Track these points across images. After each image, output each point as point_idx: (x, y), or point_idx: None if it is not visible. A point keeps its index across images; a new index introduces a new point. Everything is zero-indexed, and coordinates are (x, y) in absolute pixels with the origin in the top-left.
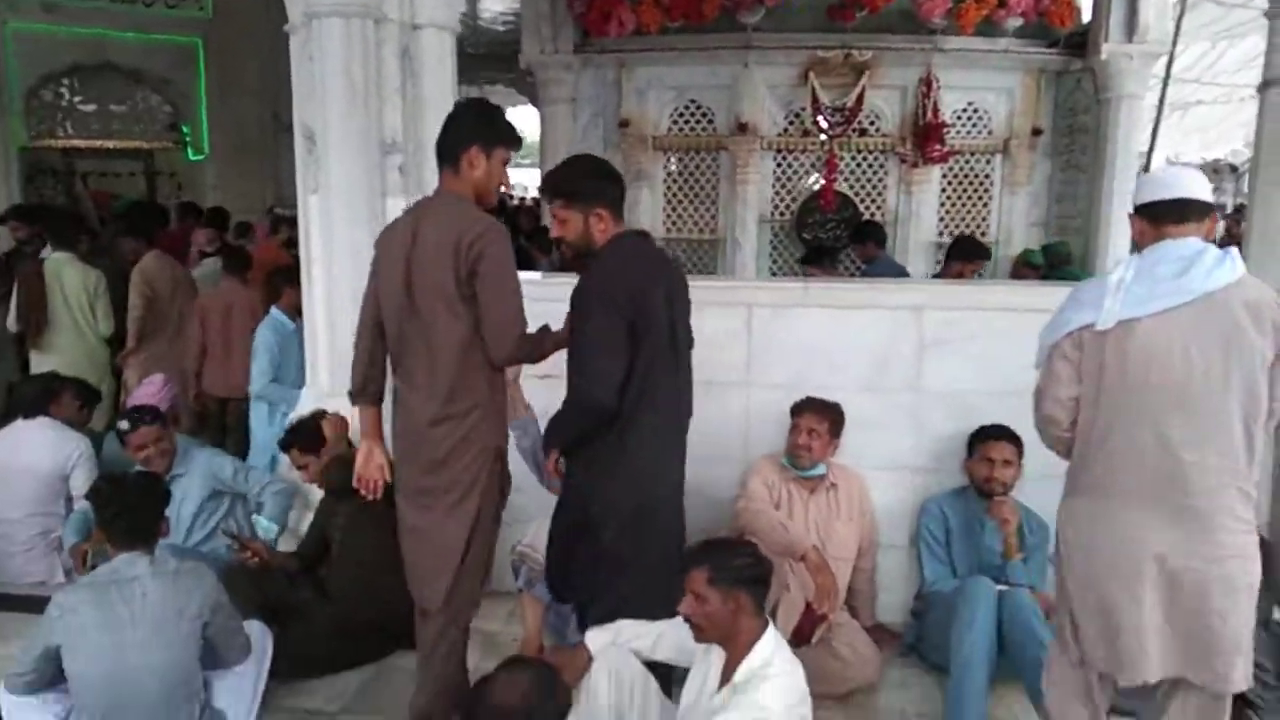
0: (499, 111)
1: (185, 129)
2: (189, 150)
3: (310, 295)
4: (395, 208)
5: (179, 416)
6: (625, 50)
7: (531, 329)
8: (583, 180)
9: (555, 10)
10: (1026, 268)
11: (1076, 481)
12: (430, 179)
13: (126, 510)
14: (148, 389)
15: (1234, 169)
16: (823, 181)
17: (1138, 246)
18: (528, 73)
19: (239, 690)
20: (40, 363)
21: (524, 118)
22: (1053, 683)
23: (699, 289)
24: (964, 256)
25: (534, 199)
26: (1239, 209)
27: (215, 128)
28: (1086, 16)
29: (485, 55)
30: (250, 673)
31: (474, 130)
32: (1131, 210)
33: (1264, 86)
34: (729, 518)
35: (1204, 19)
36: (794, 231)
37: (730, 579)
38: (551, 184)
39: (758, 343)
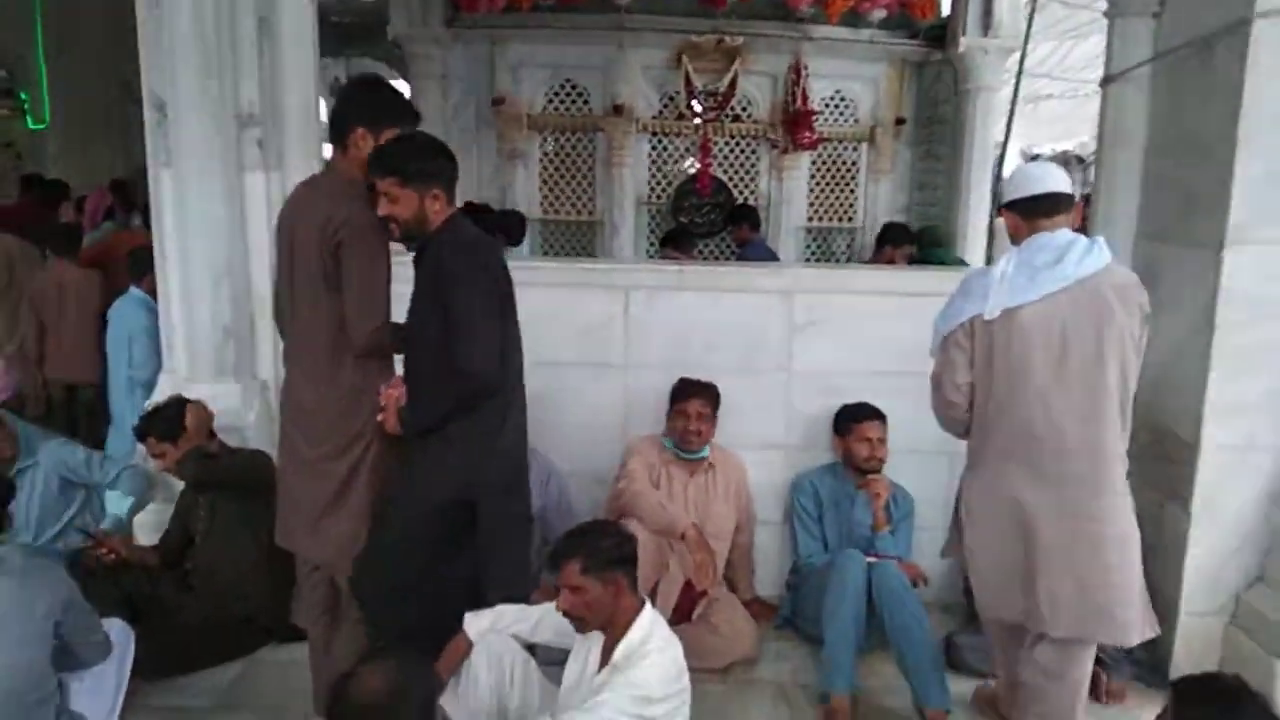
0: (391, 90)
1: (24, 96)
2: (29, 118)
3: (164, 274)
4: (254, 183)
5: (24, 403)
6: (498, 27)
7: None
8: (420, 159)
9: None
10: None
11: (979, 456)
12: (290, 153)
13: None
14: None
15: (1081, 160)
16: (698, 165)
17: (1014, 239)
18: (397, 45)
19: (99, 691)
20: None
21: None
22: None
23: (577, 271)
24: (893, 241)
25: None
26: (1086, 198)
27: (57, 93)
28: (947, 10)
29: (352, 25)
30: (110, 673)
31: (362, 109)
32: (1003, 205)
33: (1105, 82)
34: (608, 498)
35: (1052, 19)
36: (670, 215)
37: (604, 562)
38: (385, 161)
39: (635, 325)
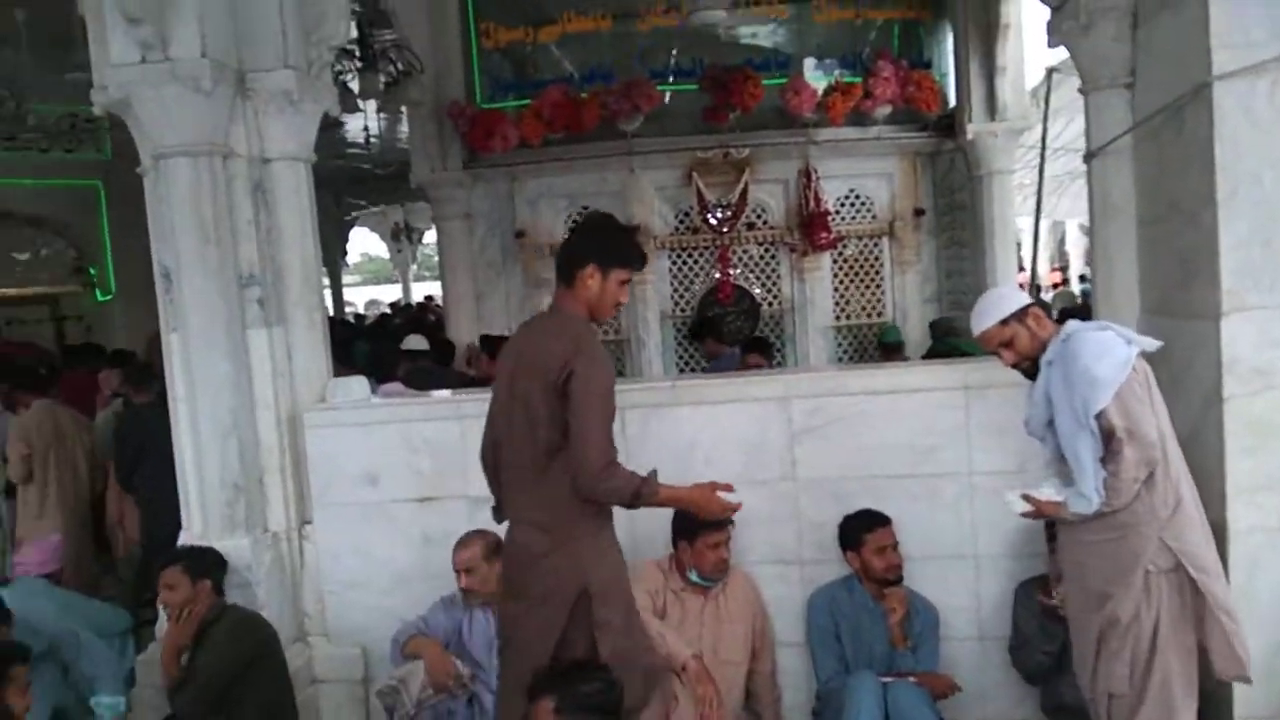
0: (621, 230)
1: (92, 272)
2: (97, 292)
3: (178, 435)
4: (257, 339)
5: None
6: (514, 164)
7: None
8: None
9: (442, 130)
10: (884, 348)
11: (1175, 511)
12: (292, 308)
13: None
14: (40, 553)
15: None
16: (718, 276)
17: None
18: (422, 190)
19: None
20: None
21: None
22: None
23: None
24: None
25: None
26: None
27: (121, 268)
28: (952, 100)
29: (397, 176)
30: None
31: (596, 248)
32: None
33: (1088, 158)
34: None
35: (1069, 95)
36: (696, 326)
37: (579, 708)
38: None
39: (633, 445)
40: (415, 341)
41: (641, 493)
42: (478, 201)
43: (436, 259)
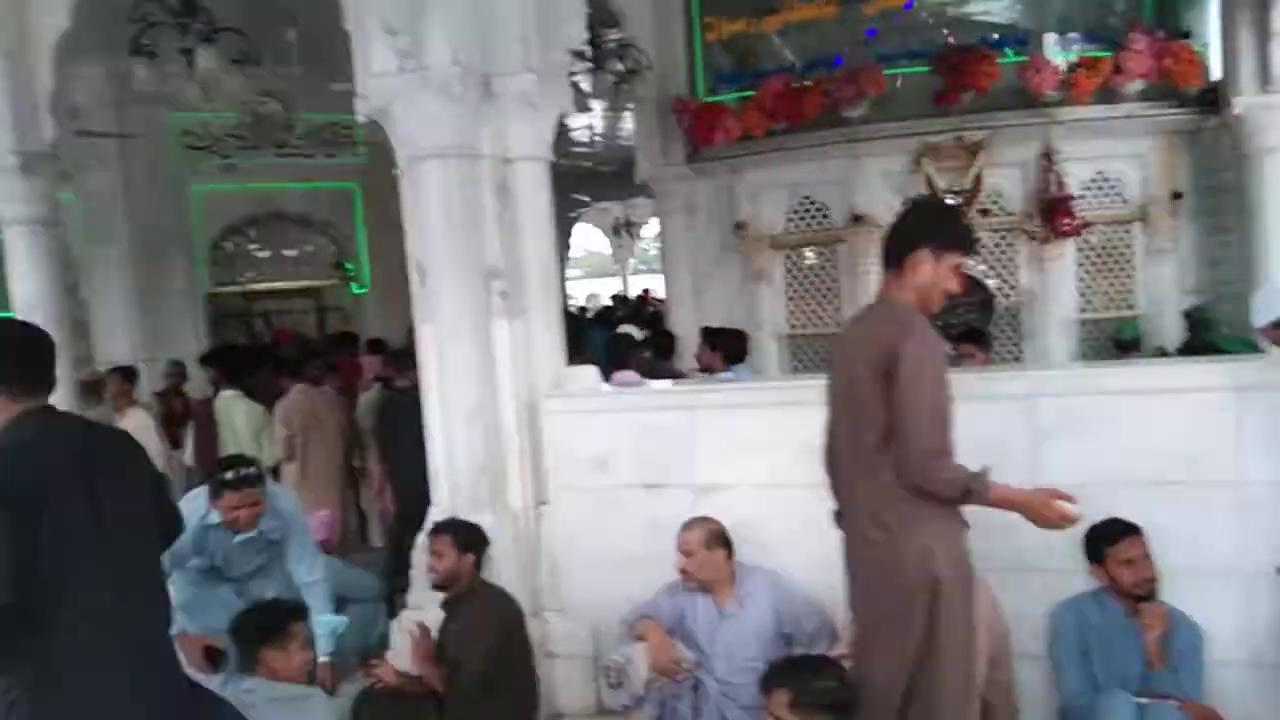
0: (952, 213)
1: (349, 266)
2: (353, 285)
3: (430, 419)
4: (500, 330)
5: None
6: (735, 156)
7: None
8: None
9: (664, 126)
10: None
11: None
12: (531, 301)
13: (245, 641)
14: (313, 524)
15: None
16: None
17: None
18: (646, 185)
19: None
20: None
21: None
22: None
23: (796, 390)
24: None
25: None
26: None
27: (374, 263)
28: (1216, 72)
29: (618, 174)
30: None
31: (925, 231)
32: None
33: None
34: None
35: None
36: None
37: (815, 705)
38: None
39: None
40: (628, 331)
41: (972, 489)
42: (699, 195)
43: (653, 253)
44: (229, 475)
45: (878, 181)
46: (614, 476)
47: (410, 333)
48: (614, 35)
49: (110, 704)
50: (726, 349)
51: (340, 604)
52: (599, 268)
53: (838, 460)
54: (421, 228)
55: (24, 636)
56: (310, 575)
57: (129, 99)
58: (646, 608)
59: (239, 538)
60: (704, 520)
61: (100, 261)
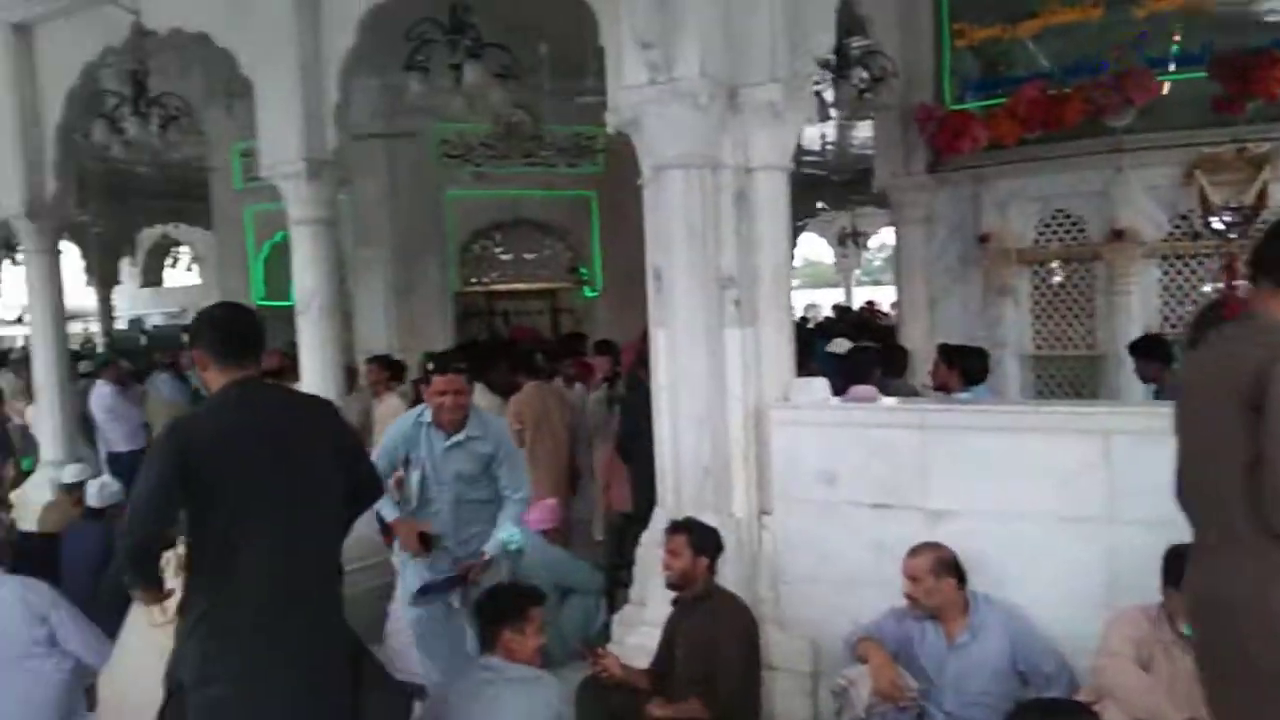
0: None
1: (583, 271)
2: (586, 289)
3: (659, 421)
4: (732, 337)
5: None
6: (981, 165)
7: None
8: None
9: (906, 134)
10: None
11: None
12: (762, 310)
13: (488, 621)
14: (540, 512)
15: None
16: (1222, 288)
17: None
18: (883, 195)
19: None
20: None
21: (889, 236)
22: None
23: (1043, 415)
24: None
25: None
26: None
27: (607, 268)
28: None
29: (850, 182)
30: None
31: None
32: None
33: None
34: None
35: None
36: (1189, 345)
37: None
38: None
39: (1119, 476)
40: (838, 345)
41: None
42: (940, 205)
43: (877, 264)
44: (438, 359)
45: (1142, 195)
46: (840, 492)
47: (644, 335)
48: (859, 43)
49: (269, 651)
50: (965, 368)
51: (563, 594)
52: (820, 278)
53: (1192, 499)
54: (661, 235)
55: (150, 566)
56: (514, 492)
57: (397, 110)
58: (870, 629)
59: (447, 441)
60: (933, 546)
61: (364, 260)
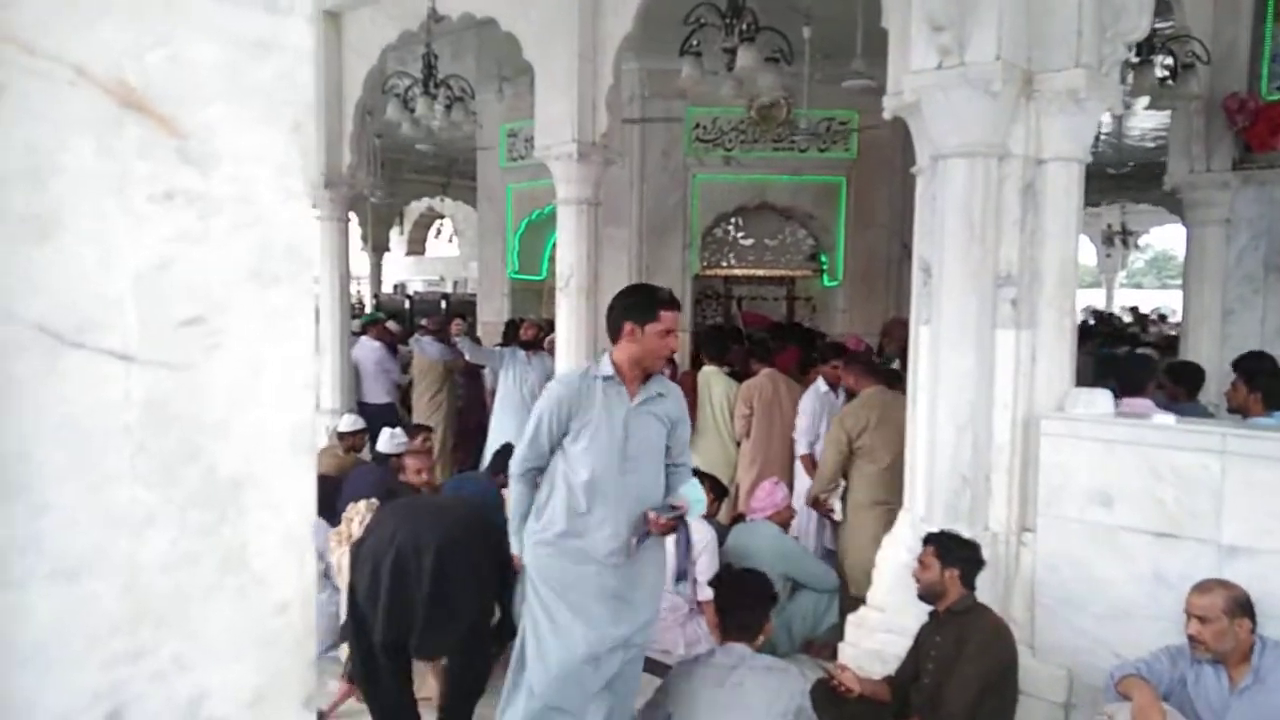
0: None
1: (824, 259)
2: (825, 277)
3: (914, 421)
4: (1004, 339)
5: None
6: None
7: None
8: None
9: (1210, 127)
10: None
11: None
12: (1043, 311)
13: (739, 607)
14: (770, 495)
15: None
16: None
17: None
18: (1174, 192)
19: None
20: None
21: (1170, 237)
22: None
23: None
24: None
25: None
26: None
27: (848, 257)
28: None
29: (1126, 175)
30: None
31: None
32: None
33: None
34: None
35: None
36: None
37: None
38: None
39: None
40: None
41: None
42: (1243, 207)
43: (1138, 265)
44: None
45: None
46: (1117, 516)
47: (886, 330)
48: (1163, 25)
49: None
50: (1269, 390)
51: (794, 587)
52: (1079, 279)
53: None
54: (934, 227)
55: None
56: (680, 459)
57: (653, 93)
58: (1140, 667)
59: (635, 400)
60: (1224, 585)
61: (612, 240)
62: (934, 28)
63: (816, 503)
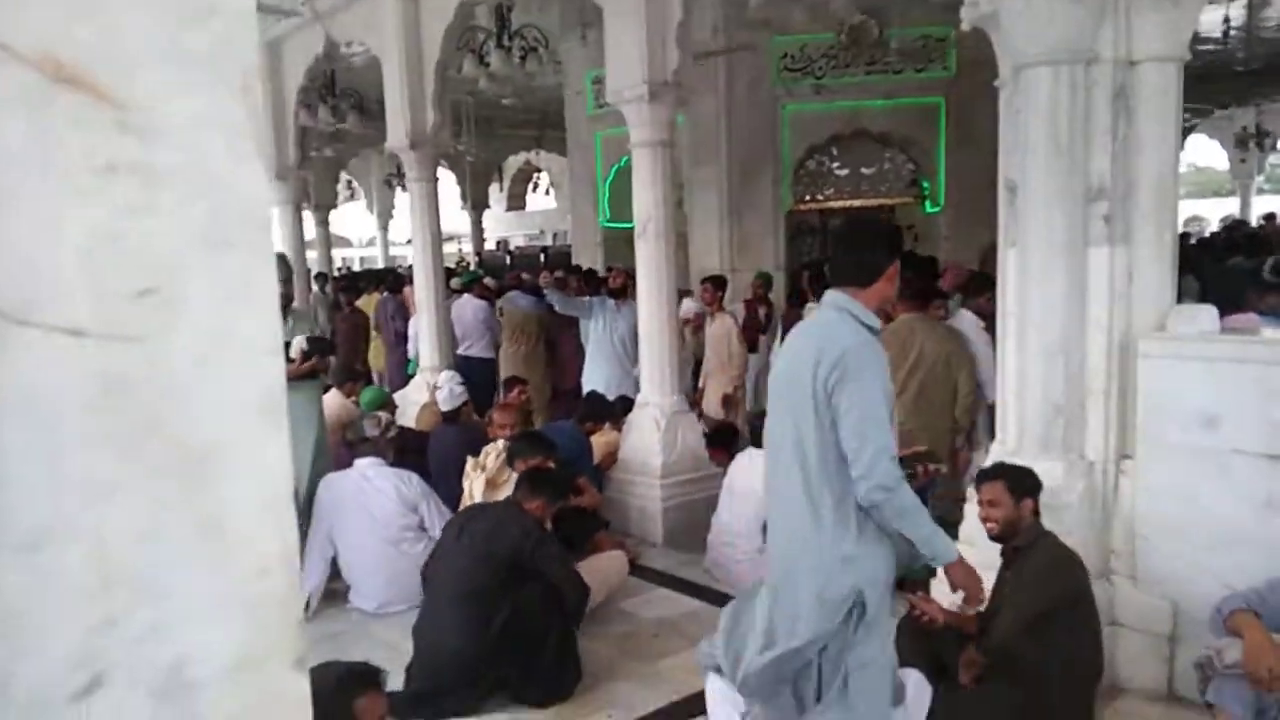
0: None
1: (925, 184)
2: (926, 204)
3: (1003, 350)
4: (1098, 258)
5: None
6: None
7: None
8: None
9: None
10: None
11: None
12: (1140, 226)
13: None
14: None
15: None
16: None
17: None
18: None
19: None
20: None
21: None
22: None
23: None
24: None
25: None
26: None
27: (950, 181)
28: None
29: (1263, 71)
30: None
31: None
32: None
33: None
34: None
35: None
36: None
37: None
38: None
39: None
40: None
41: None
42: None
43: None
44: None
45: None
46: (1224, 438)
47: (985, 255)
48: None
49: None
50: None
51: None
52: (1210, 186)
53: None
54: (1018, 142)
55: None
56: None
57: (738, 25)
58: (1250, 598)
59: None
60: None
61: (700, 180)
62: None
63: None
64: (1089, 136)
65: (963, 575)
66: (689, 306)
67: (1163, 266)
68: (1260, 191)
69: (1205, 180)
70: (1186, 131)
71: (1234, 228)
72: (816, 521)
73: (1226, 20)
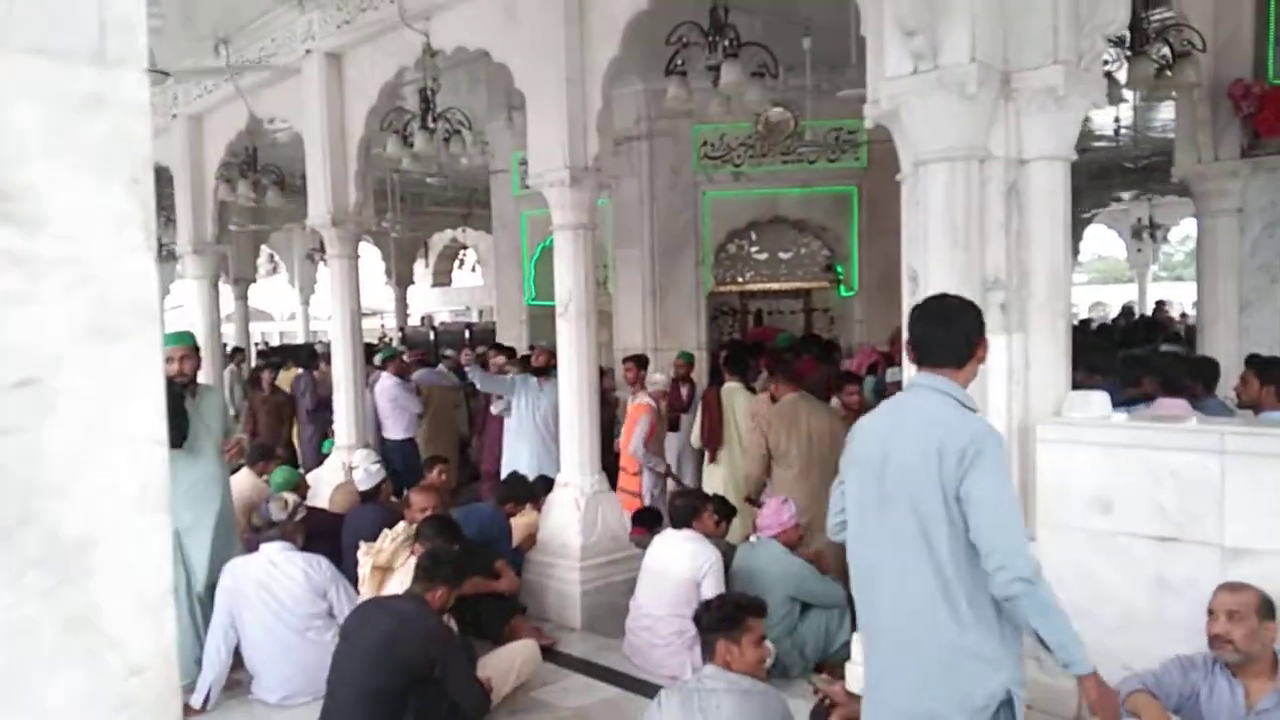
0: None
1: (839, 269)
2: (841, 288)
3: None
4: (995, 345)
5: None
6: None
7: None
8: None
9: (1216, 115)
10: None
11: None
12: (1033, 315)
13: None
14: (777, 514)
15: None
16: None
17: None
18: (1183, 183)
19: None
20: (710, 474)
21: (1193, 228)
22: None
23: None
24: None
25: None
26: None
27: (863, 266)
28: None
29: (1149, 167)
30: None
31: None
32: None
33: None
34: None
35: None
36: None
37: None
38: None
39: None
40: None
41: None
42: (1254, 195)
43: (1178, 258)
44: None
45: None
46: (1118, 522)
47: (894, 338)
48: (1158, 15)
49: None
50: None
51: (803, 607)
52: (1111, 273)
53: None
54: (919, 233)
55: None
56: None
57: (659, 113)
58: (1148, 679)
59: None
60: (1248, 586)
61: (625, 260)
62: (906, 32)
63: (749, 501)
64: (984, 229)
65: (1099, 694)
66: (659, 380)
67: (1057, 353)
68: (1156, 279)
69: (1107, 268)
70: (1087, 222)
71: (1129, 315)
72: (957, 622)
73: (1117, 120)
